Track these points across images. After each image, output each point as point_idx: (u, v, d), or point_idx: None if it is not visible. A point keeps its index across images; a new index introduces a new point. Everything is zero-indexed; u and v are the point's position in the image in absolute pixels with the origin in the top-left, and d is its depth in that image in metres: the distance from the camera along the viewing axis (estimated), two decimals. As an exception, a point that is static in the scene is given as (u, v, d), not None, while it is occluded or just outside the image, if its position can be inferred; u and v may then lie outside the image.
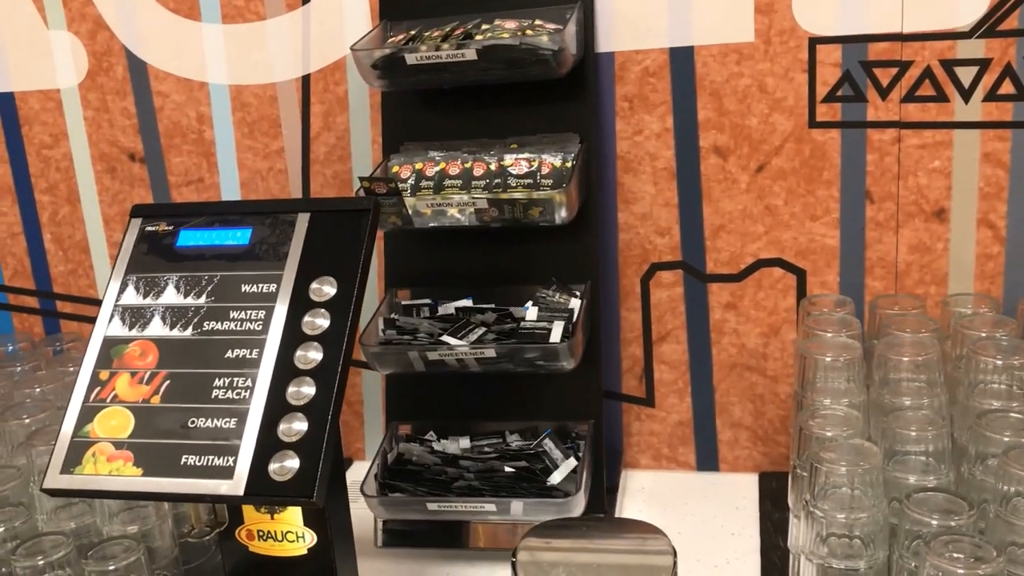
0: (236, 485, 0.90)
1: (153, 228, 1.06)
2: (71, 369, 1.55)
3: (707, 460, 1.55)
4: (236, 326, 0.98)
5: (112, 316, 1.02)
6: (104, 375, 0.99)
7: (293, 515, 1.05)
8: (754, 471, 1.53)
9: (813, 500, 1.08)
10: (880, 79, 1.35)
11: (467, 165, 1.35)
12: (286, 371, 0.94)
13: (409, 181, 1.36)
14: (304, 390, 0.93)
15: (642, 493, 1.51)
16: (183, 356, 0.98)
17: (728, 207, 1.43)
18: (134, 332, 1.00)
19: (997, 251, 1.38)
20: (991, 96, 1.32)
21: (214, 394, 0.95)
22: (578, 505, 1.26)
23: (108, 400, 0.97)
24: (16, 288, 1.75)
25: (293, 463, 0.89)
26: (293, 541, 1.05)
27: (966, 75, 1.32)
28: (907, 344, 1.23)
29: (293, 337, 0.96)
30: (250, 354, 0.96)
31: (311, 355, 0.94)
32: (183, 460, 0.92)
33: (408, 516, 1.31)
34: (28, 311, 1.76)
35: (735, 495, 1.47)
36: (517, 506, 1.25)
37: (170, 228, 1.06)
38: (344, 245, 1.00)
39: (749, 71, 1.38)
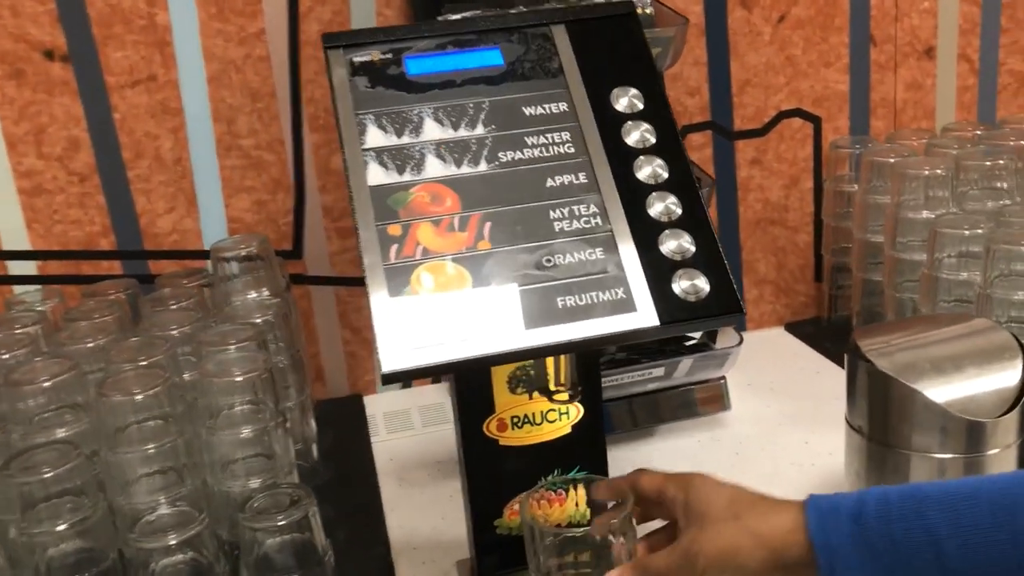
0: (645, 316, 0.75)
1: (365, 58, 0.84)
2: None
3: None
4: (542, 152, 0.81)
5: (366, 163, 0.79)
6: (395, 230, 0.76)
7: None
8: (778, 324, 1.57)
9: (989, 285, 1.14)
10: (880, -75, 1.44)
11: (547, 17, 1.22)
12: (634, 189, 0.80)
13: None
14: (669, 206, 0.79)
15: (695, 361, 1.49)
16: (491, 193, 0.79)
17: (753, 60, 1.45)
18: (408, 176, 0.79)
19: (972, 82, 1.54)
20: (969, -62, 1.47)
21: (557, 227, 0.78)
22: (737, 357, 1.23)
23: (417, 256, 0.75)
24: None
25: (701, 281, 0.76)
26: (554, 421, 0.90)
27: (949, -80, 1.46)
28: (978, 155, 1.33)
29: (623, 153, 0.81)
30: (577, 179, 0.80)
31: (655, 170, 0.81)
32: (560, 303, 0.75)
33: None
34: None
35: (782, 347, 1.50)
36: (685, 364, 1.18)
37: (388, 56, 0.85)
38: (623, 51, 0.87)
39: (771, -80, 1.40)
